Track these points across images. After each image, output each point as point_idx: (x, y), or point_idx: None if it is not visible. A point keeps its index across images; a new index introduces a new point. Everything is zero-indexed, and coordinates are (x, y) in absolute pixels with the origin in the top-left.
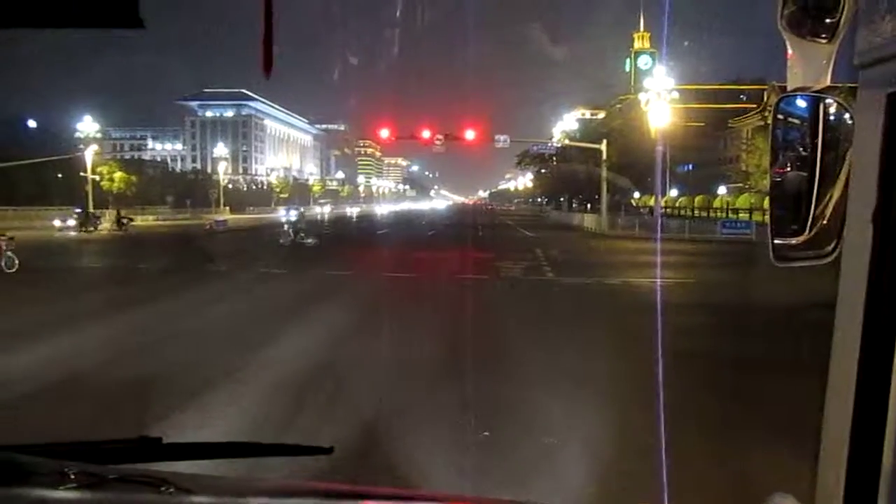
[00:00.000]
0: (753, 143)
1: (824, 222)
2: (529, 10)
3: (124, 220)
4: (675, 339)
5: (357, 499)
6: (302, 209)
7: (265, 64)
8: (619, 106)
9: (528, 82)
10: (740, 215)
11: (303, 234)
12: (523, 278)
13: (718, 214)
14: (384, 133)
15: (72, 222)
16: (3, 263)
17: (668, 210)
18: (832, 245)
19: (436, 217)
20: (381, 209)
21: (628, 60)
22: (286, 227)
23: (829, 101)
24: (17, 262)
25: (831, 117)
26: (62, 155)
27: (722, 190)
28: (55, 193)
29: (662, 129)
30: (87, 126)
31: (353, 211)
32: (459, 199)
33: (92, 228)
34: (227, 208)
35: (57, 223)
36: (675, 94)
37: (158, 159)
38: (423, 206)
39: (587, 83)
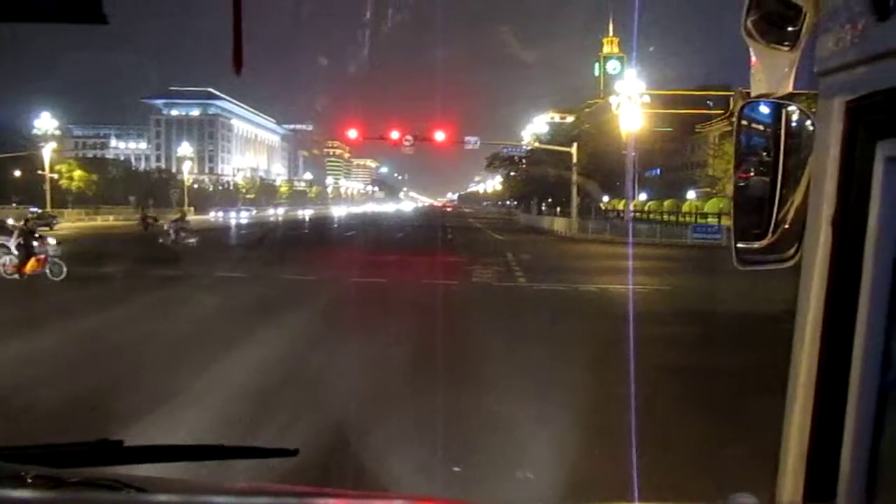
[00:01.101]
0: (721, 149)
1: (786, 227)
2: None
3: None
4: (663, 352)
5: (323, 499)
6: (183, 209)
7: (235, 60)
8: (588, 110)
9: (498, 85)
10: (709, 220)
11: (184, 234)
12: (495, 284)
13: (687, 219)
14: (352, 133)
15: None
16: (48, 270)
17: (637, 214)
18: (794, 249)
19: (401, 221)
20: (340, 211)
21: (597, 65)
22: (168, 227)
23: (791, 107)
24: (64, 269)
25: (793, 124)
26: (28, 152)
27: (691, 195)
28: (13, 192)
29: (633, 133)
30: (45, 123)
31: (306, 213)
32: (428, 201)
33: (47, 228)
34: (192, 208)
35: (10, 222)
36: (647, 98)
37: (122, 158)
38: (389, 208)
39: (557, 87)
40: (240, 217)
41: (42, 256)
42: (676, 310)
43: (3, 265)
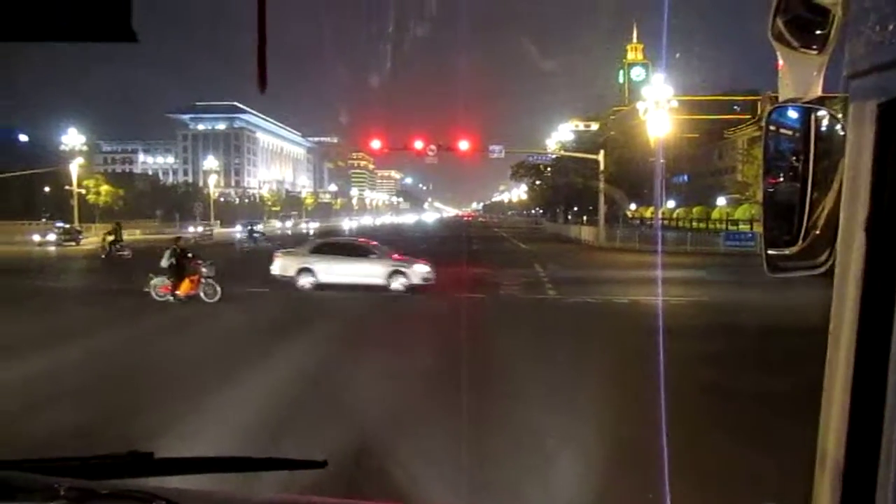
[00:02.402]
0: (750, 154)
1: (817, 232)
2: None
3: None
4: (705, 372)
5: None
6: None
7: (260, 78)
8: (613, 117)
9: (521, 94)
10: (740, 227)
11: (118, 248)
12: (524, 296)
13: (718, 226)
14: (376, 144)
15: (52, 237)
16: (202, 292)
17: (665, 221)
18: (825, 255)
19: (421, 233)
20: (354, 223)
21: (622, 72)
22: (103, 241)
23: (820, 111)
24: (219, 290)
25: (823, 128)
26: (55, 167)
27: (721, 201)
28: (42, 207)
29: (661, 139)
30: (73, 139)
31: (312, 226)
32: (453, 211)
33: (73, 243)
34: (218, 222)
35: (36, 238)
36: (675, 104)
37: (150, 172)
38: (410, 218)
39: (580, 95)
40: (255, 231)
41: (196, 277)
42: (716, 324)
43: (155, 287)
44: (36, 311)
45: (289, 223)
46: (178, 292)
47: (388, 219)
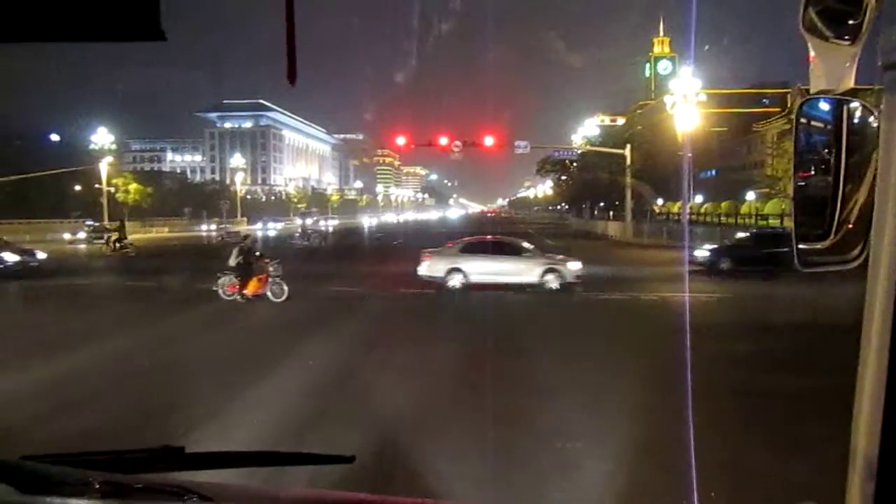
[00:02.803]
0: (780, 148)
1: (850, 226)
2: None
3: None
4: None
5: None
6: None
7: (289, 72)
8: (639, 111)
9: (546, 89)
10: (770, 221)
11: (122, 245)
12: (551, 293)
13: (746, 221)
14: (401, 140)
15: (81, 235)
16: (269, 292)
17: (693, 217)
18: (858, 249)
19: (444, 231)
20: (372, 221)
21: (648, 66)
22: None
23: (853, 103)
24: (286, 289)
25: (856, 120)
26: (84, 167)
27: (750, 196)
28: (73, 206)
29: (688, 132)
30: (102, 138)
31: (331, 224)
32: (479, 207)
33: (102, 241)
34: (245, 219)
35: (67, 236)
36: (703, 97)
37: (178, 171)
38: (433, 215)
39: (605, 90)
40: (266, 229)
41: (263, 276)
42: (749, 322)
43: (223, 286)
44: (120, 314)
45: (309, 221)
46: (245, 291)
47: (410, 215)
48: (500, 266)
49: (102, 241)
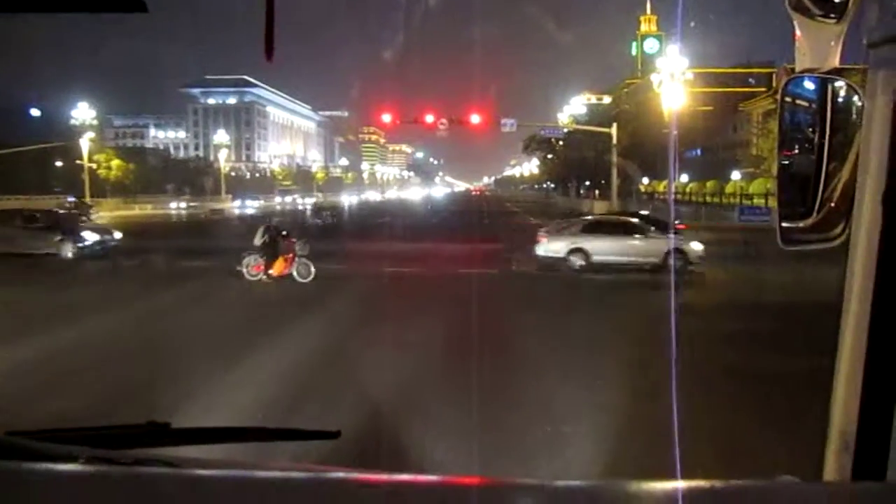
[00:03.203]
0: (765, 127)
1: (832, 205)
2: None
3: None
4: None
5: (366, 482)
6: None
7: (266, 49)
8: (626, 90)
9: (533, 66)
10: (754, 201)
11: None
12: (538, 273)
13: (731, 200)
14: (386, 118)
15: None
16: (295, 272)
17: (678, 196)
18: (840, 227)
19: (428, 211)
20: (351, 199)
21: (634, 44)
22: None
23: (838, 82)
24: (312, 269)
25: (840, 99)
26: (65, 142)
27: (735, 175)
28: (55, 182)
29: (675, 111)
30: (83, 113)
31: (308, 202)
32: (465, 185)
33: (84, 218)
34: (229, 196)
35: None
36: (690, 76)
37: (161, 147)
38: (417, 194)
39: (592, 67)
40: (244, 207)
41: (290, 256)
42: (739, 300)
43: (248, 266)
44: (142, 292)
45: (288, 199)
46: (270, 271)
47: (392, 194)
48: (623, 245)
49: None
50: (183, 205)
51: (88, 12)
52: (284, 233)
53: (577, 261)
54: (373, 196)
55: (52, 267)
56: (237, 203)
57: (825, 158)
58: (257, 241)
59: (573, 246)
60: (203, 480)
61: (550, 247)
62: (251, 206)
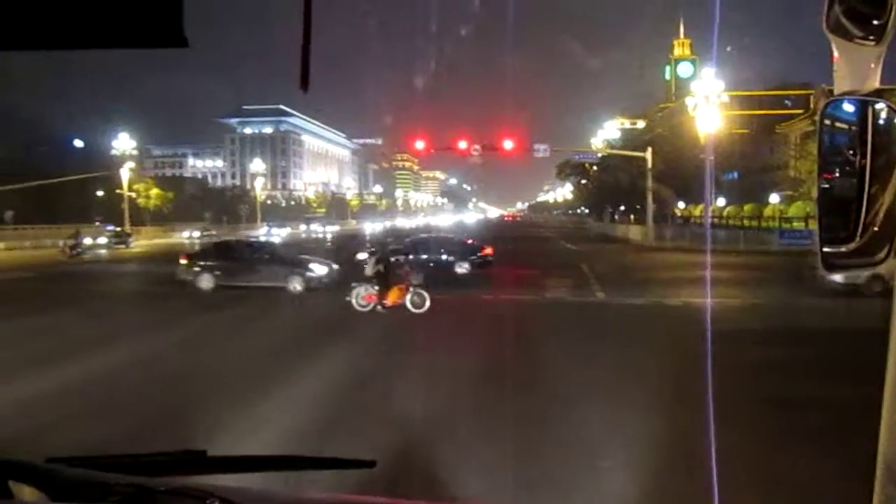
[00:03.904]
0: (804, 149)
1: (876, 228)
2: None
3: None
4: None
5: None
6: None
7: (303, 78)
8: (660, 114)
9: (565, 92)
10: (794, 224)
11: (78, 251)
12: (571, 299)
13: (770, 224)
14: (420, 144)
15: (102, 240)
16: (408, 301)
17: (715, 220)
18: (885, 251)
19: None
20: (374, 227)
21: (668, 68)
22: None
23: (878, 104)
24: (427, 299)
25: (881, 121)
26: (105, 172)
27: (774, 198)
28: (95, 211)
29: (711, 134)
30: (123, 143)
31: (329, 230)
32: (497, 211)
33: (123, 246)
34: (265, 223)
35: (88, 241)
36: (725, 98)
37: (199, 176)
38: (449, 220)
39: (625, 93)
40: (270, 234)
41: (404, 285)
42: (780, 328)
43: (358, 296)
44: (263, 327)
45: (313, 226)
46: (385, 301)
47: (421, 220)
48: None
49: (123, 246)
50: (214, 231)
51: (130, 48)
52: (399, 262)
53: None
54: (402, 223)
55: (307, 303)
56: (263, 231)
57: (867, 181)
58: (369, 270)
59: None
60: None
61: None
62: (277, 234)
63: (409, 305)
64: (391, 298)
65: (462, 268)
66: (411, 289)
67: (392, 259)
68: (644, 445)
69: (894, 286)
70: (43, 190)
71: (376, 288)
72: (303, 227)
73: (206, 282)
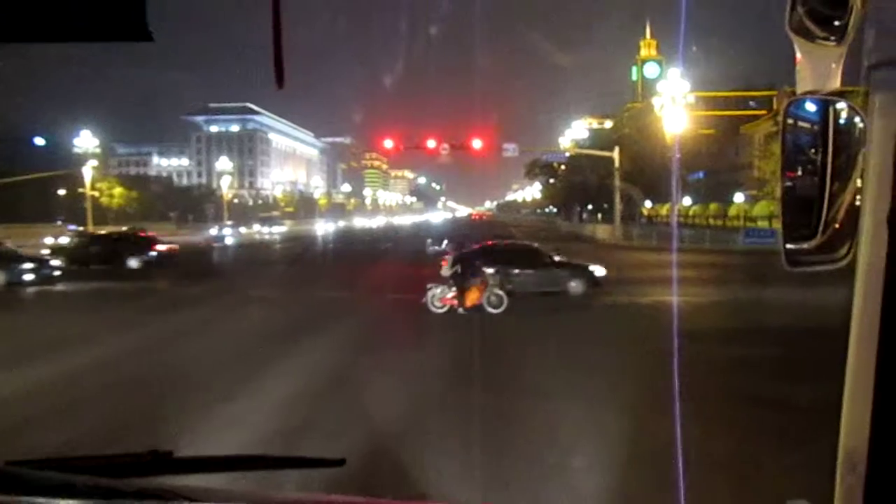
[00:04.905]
0: (768, 150)
1: (837, 226)
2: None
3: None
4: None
5: None
6: None
7: (277, 75)
8: (627, 114)
9: (534, 92)
10: (758, 223)
11: None
12: (543, 298)
13: (735, 223)
14: (388, 143)
15: (64, 240)
16: (486, 302)
17: (682, 219)
18: (846, 249)
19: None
20: (326, 228)
21: (635, 69)
22: None
23: (839, 104)
24: (505, 299)
25: (842, 120)
26: (67, 171)
27: (738, 198)
28: (57, 210)
29: (677, 134)
30: (86, 141)
31: (276, 231)
32: (466, 210)
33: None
34: (230, 223)
35: (49, 241)
36: (691, 99)
37: (164, 175)
38: (415, 218)
39: (592, 92)
40: (220, 238)
41: (482, 286)
42: (747, 325)
43: (434, 298)
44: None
45: (266, 228)
46: (465, 303)
47: (381, 220)
48: None
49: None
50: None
51: (94, 41)
52: (477, 262)
53: None
54: (360, 223)
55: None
56: (212, 233)
57: (828, 179)
58: (446, 271)
59: None
60: None
61: None
62: (229, 236)
63: (486, 306)
64: (470, 300)
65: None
66: (488, 289)
67: (474, 261)
68: None
69: (856, 281)
70: (1, 189)
71: (453, 290)
72: (256, 226)
73: None
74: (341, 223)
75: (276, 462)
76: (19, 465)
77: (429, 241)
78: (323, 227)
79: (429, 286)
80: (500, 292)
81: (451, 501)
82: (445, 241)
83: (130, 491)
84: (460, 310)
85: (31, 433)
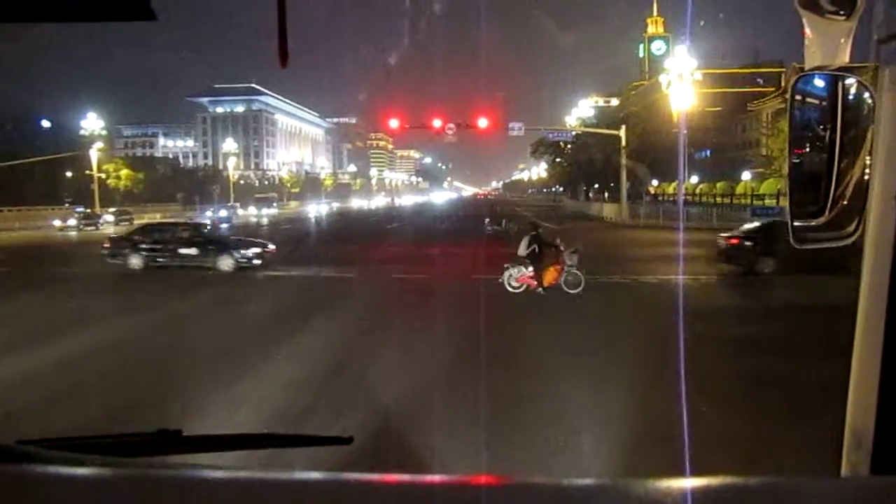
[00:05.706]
0: (775, 127)
1: (845, 202)
2: None
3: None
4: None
5: (379, 487)
6: None
7: (280, 53)
8: (634, 92)
9: (540, 70)
10: (766, 201)
11: None
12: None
13: (742, 201)
14: (394, 123)
15: (72, 222)
16: (563, 282)
17: (688, 197)
18: (853, 225)
19: (426, 220)
20: (322, 209)
21: (642, 46)
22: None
23: (848, 79)
24: (583, 280)
25: (851, 96)
26: (73, 153)
27: (745, 175)
28: (64, 192)
29: (684, 111)
30: (92, 123)
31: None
32: (472, 189)
33: (92, 227)
34: (237, 204)
35: (57, 223)
36: (699, 76)
37: (170, 156)
38: (418, 199)
39: (599, 70)
40: (219, 219)
41: (559, 266)
42: (757, 303)
43: (510, 277)
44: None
45: (265, 210)
46: (543, 283)
47: (380, 201)
48: None
49: (93, 228)
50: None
51: (97, 21)
52: (556, 242)
53: None
54: (357, 204)
55: None
56: (207, 214)
57: (836, 156)
58: (522, 251)
59: None
60: (214, 483)
61: None
62: (228, 219)
63: (563, 286)
64: (548, 279)
65: None
66: (565, 269)
67: (551, 241)
68: None
69: (864, 257)
70: (8, 171)
71: (530, 269)
72: (251, 208)
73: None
74: (334, 205)
75: (285, 440)
76: (30, 444)
77: (486, 220)
78: (315, 210)
79: (506, 265)
80: (578, 273)
81: (462, 476)
82: (527, 239)
83: (139, 470)
84: (540, 289)
85: None
